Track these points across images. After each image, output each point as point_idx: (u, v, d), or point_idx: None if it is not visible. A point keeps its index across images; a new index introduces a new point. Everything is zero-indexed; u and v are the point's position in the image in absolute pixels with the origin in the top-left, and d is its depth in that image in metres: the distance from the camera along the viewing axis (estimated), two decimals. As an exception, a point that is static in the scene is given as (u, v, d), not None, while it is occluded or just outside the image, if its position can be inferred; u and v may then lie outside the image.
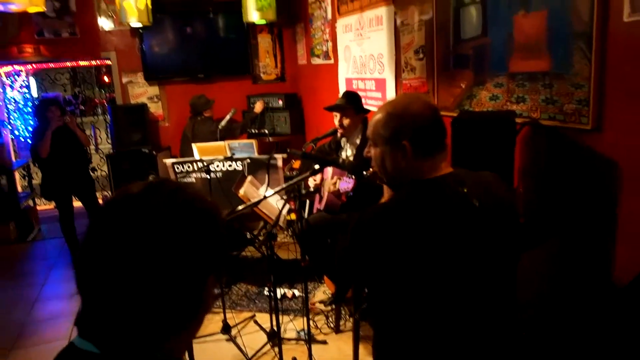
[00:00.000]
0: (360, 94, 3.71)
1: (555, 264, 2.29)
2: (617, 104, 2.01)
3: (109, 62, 6.06)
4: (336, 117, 3.51)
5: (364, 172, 1.77)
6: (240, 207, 2.43)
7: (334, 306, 3.80)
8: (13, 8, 3.24)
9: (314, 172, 2.32)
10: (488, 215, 1.38)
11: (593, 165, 2.12)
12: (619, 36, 1.96)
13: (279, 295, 4.20)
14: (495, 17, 2.59)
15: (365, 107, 3.61)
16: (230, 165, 4.20)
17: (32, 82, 8.41)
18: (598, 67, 2.04)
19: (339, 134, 3.61)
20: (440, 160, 1.44)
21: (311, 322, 3.74)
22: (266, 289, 4.37)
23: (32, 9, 3.29)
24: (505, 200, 1.47)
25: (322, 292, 4.30)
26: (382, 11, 3.78)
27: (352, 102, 3.47)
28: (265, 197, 2.50)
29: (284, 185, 2.54)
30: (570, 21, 2.14)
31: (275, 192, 2.50)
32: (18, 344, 3.81)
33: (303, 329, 3.64)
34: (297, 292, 4.28)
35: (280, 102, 5.86)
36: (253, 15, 5.09)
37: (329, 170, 3.55)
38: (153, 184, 0.78)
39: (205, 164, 3.81)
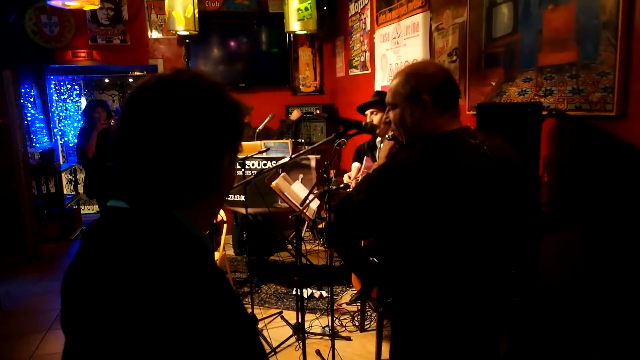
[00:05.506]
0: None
1: (578, 250, 2.29)
2: (642, 91, 2.03)
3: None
4: (368, 116, 3.56)
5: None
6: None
7: (359, 305, 3.82)
8: (70, 4, 3.48)
9: (338, 135, 2.45)
10: (497, 165, 1.48)
11: (618, 152, 2.12)
12: (645, 23, 2.00)
13: (307, 295, 4.26)
14: (526, 13, 2.64)
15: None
16: (265, 164, 4.32)
17: (83, 93, 8.84)
18: (623, 54, 2.06)
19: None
20: (454, 115, 1.54)
21: (337, 321, 3.78)
22: (294, 289, 4.42)
23: (87, 7, 3.52)
24: (512, 157, 1.56)
25: (349, 295, 4.33)
26: (418, 18, 3.87)
27: (381, 99, 3.49)
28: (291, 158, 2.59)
29: (306, 149, 2.64)
30: (597, 12, 2.18)
31: (298, 155, 2.61)
32: (54, 326, 3.99)
33: (328, 325, 3.67)
34: (324, 293, 4.31)
35: (318, 112, 6.00)
36: (294, 25, 5.28)
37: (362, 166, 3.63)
38: (180, 69, 0.88)
39: (240, 160, 3.93)
